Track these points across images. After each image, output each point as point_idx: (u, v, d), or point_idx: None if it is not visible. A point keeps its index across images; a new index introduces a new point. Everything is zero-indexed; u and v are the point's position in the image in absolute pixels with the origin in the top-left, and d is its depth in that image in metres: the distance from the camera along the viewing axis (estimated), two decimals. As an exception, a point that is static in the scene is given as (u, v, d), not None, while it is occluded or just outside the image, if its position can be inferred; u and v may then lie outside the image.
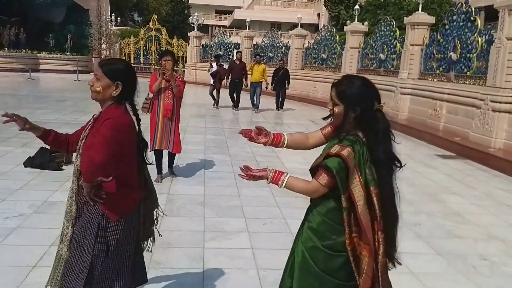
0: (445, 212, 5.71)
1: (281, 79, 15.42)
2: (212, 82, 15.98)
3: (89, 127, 2.48)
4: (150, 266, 3.78)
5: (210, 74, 15.98)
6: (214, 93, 15.89)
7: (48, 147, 6.88)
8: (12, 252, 3.94)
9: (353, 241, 2.25)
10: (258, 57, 15.97)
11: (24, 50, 29.70)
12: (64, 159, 6.87)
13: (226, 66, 16.30)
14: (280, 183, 2.30)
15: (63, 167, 6.73)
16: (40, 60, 29.32)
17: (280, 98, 15.78)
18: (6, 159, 7.05)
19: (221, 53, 25.81)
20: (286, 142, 2.58)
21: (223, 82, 15.34)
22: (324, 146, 2.46)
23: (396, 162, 2.31)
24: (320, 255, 2.30)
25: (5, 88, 18.75)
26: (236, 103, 15.28)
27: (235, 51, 17.10)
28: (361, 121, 2.25)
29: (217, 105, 15.66)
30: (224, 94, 15.70)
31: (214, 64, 16.12)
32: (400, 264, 2.42)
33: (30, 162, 6.68)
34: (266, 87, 15.42)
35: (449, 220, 5.41)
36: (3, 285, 3.39)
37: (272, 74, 15.93)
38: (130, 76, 2.46)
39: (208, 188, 6.18)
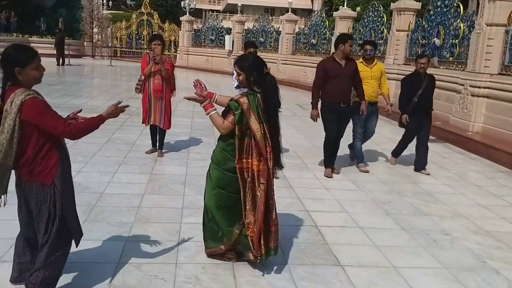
0: (416, 191, 5.97)
1: (426, 92, 6.83)
2: None
3: None
4: (128, 240, 4.02)
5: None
6: None
7: None
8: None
9: (242, 162, 3.40)
10: (369, 47, 6.96)
11: (15, 34, 29.53)
12: None
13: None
14: (207, 112, 3.49)
15: None
16: (32, 44, 29.11)
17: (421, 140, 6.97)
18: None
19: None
20: (216, 99, 3.78)
21: None
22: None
23: (279, 108, 3.55)
24: (220, 175, 3.51)
25: (-4, 71, 18.78)
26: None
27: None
28: (257, 81, 3.48)
29: None
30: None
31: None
32: (283, 167, 3.64)
33: None
34: (387, 112, 7.40)
35: (419, 199, 5.67)
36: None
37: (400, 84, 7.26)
38: None
39: (191, 168, 6.41)
